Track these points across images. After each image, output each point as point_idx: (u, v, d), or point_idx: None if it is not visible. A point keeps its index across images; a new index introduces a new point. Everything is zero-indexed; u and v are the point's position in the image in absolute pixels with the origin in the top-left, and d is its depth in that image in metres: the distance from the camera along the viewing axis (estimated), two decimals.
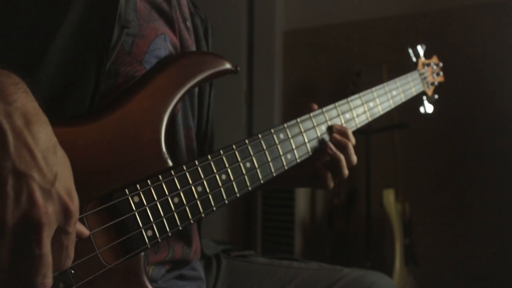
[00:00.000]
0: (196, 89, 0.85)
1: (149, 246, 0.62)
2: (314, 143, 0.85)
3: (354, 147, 0.89)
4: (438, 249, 2.31)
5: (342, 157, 0.85)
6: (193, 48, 0.83)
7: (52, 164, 0.45)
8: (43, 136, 0.45)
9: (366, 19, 2.50)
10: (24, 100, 0.44)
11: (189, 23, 0.82)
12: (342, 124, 0.90)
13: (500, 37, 2.17)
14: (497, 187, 2.17)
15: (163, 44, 0.72)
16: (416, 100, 1.23)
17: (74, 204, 0.46)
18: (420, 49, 1.22)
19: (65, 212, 0.45)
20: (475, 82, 2.23)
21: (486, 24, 2.20)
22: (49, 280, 0.44)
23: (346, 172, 0.87)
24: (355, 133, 0.91)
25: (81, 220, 0.55)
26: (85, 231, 0.53)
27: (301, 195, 2.48)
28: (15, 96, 0.43)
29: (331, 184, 0.90)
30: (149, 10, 0.70)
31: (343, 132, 0.87)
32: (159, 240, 0.62)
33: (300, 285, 0.89)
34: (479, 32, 2.22)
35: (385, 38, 2.42)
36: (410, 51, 1.21)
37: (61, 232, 0.46)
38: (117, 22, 0.61)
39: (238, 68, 0.75)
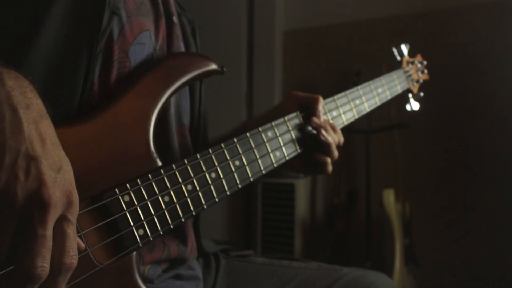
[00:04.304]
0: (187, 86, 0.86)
1: (140, 245, 0.62)
2: (302, 139, 0.87)
3: (343, 144, 0.92)
4: (438, 249, 2.31)
5: (331, 139, 0.88)
6: (180, 43, 0.84)
7: (59, 156, 0.48)
8: (52, 132, 0.48)
9: (366, 19, 2.50)
10: (39, 100, 0.48)
11: (175, 18, 0.83)
12: (329, 121, 0.92)
13: (500, 37, 2.17)
14: (497, 186, 2.17)
15: (148, 40, 0.73)
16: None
17: (76, 196, 0.48)
18: (404, 48, 1.24)
19: (69, 201, 0.47)
20: (475, 82, 2.23)
21: (486, 24, 2.20)
22: (47, 266, 0.44)
23: (336, 153, 0.90)
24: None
25: None
26: (82, 244, 0.54)
27: (301, 195, 2.48)
28: (31, 93, 0.47)
29: (330, 169, 0.91)
30: (137, 5, 0.72)
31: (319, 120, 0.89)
32: (151, 239, 0.63)
33: (299, 285, 0.89)
34: (479, 32, 2.21)
35: (385, 38, 2.42)
36: (394, 50, 1.23)
37: (64, 219, 0.47)
38: (107, 7, 0.63)
39: (225, 69, 0.76)
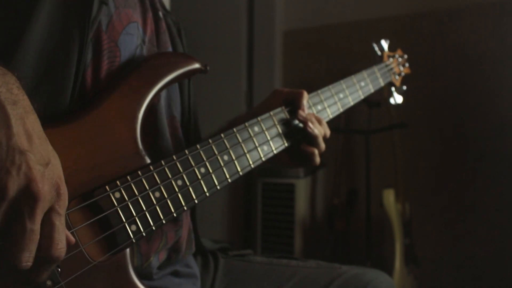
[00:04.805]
0: None
1: (134, 240, 0.62)
2: (289, 133, 0.87)
3: (330, 137, 0.92)
4: (438, 249, 2.31)
5: (317, 132, 0.87)
6: (167, 38, 0.85)
7: (47, 151, 0.48)
8: (39, 127, 0.49)
9: (366, 19, 2.50)
10: (25, 96, 0.49)
11: (161, 14, 0.85)
12: (314, 114, 0.92)
13: (500, 37, 2.16)
14: (497, 187, 2.16)
15: (136, 31, 0.74)
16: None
17: (64, 189, 0.49)
18: (384, 43, 1.27)
19: (58, 194, 0.48)
20: (475, 82, 2.23)
21: (486, 24, 2.20)
22: (32, 260, 0.45)
23: (323, 145, 0.90)
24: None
25: None
26: (72, 238, 0.54)
27: (301, 195, 2.48)
28: (17, 90, 0.48)
29: (318, 160, 0.91)
30: None
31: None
32: (144, 234, 0.63)
33: (298, 283, 0.89)
34: (479, 32, 2.21)
35: (385, 38, 2.42)
36: (375, 45, 1.25)
37: (52, 211, 0.47)
38: None
39: (208, 68, 0.77)
